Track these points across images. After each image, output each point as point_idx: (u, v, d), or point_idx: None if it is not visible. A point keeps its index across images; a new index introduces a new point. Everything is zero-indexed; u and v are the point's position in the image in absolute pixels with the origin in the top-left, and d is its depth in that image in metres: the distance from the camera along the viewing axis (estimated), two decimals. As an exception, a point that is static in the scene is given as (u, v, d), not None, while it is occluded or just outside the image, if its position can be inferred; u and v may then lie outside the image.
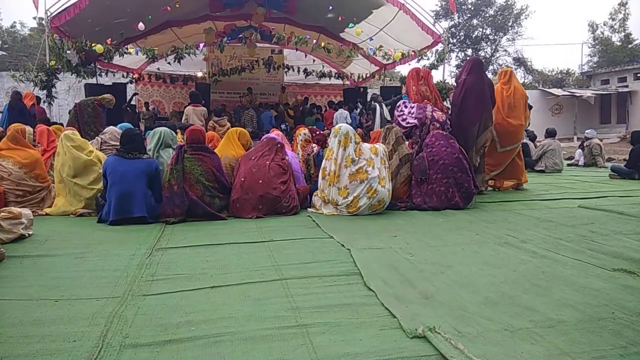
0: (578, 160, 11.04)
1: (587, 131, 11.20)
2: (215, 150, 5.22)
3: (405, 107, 5.99)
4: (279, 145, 5.06)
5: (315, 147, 5.85)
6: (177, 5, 10.73)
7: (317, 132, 6.39)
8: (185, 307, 2.19)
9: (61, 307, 2.21)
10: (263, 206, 4.59)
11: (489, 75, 6.63)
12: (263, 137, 5.34)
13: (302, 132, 6.37)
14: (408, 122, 5.79)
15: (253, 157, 4.88)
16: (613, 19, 32.32)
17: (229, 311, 2.14)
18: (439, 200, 4.88)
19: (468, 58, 6.78)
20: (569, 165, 10.86)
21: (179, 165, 4.52)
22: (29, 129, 5.49)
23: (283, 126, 13.18)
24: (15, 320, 2.04)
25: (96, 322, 2.01)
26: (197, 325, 1.98)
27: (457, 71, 33.32)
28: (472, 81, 5.66)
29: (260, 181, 4.63)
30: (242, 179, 4.69)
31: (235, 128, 5.86)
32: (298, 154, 5.91)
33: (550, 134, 9.81)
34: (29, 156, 4.95)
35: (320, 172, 4.87)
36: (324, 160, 4.88)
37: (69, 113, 9.12)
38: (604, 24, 32.57)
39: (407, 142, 5.43)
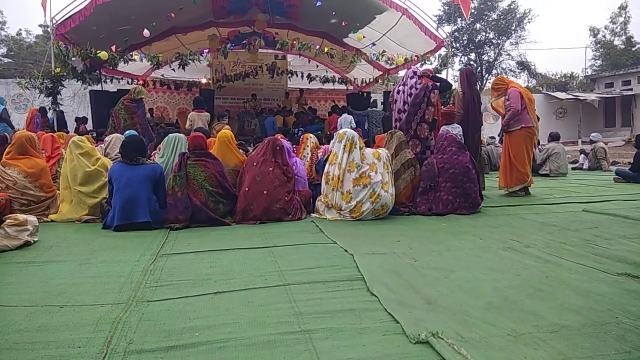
0: (582, 164, 11.01)
1: (592, 134, 11.18)
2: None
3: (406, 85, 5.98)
4: (278, 147, 4.97)
5: (320, 153, 5.85)
6: (180, 9, 10.79)
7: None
8: (189, 313, 2.20)
9: (66, 313, 2.22)
10: (267, 218, 4.59)
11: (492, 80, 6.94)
12: (265, 139, 5.28)
13: (311, 136, 6.34)
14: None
15: (255, 163, 4.85)
16: (614, 23, 32.29)
17: (233, 317, 2.15)
18: (444, 208, 4.87)
19: (462, 70, 6.94)
20: (573, 168, 10.84)
21: (182, 172, 4.54)
22: (34, 135, 5.50)
23: (296, 131, 13.18)
24: (20, 327, 2.06)
25: (101, 328, 2.02)
26: (200, 331, 1.99)
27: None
28: (471, 93, 6.31)
29: (265, 192, 4.61)
30: (247, 189, 4.67)
31: (225, 133, 5.56)
32: (304, 157, 5.88)
33: (554, 137, 9.79)
34: (34, 165, 4.93)
35: (324, 176, 4.88)
36: (327, 165, 4.89)
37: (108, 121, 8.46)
38: (605, 28, 32.55)
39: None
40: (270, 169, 4.77)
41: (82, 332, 2.00)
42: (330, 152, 4.96)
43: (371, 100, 14.34)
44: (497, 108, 6.55)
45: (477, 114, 6.33)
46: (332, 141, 5.03)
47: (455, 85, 7.72)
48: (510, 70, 32.80)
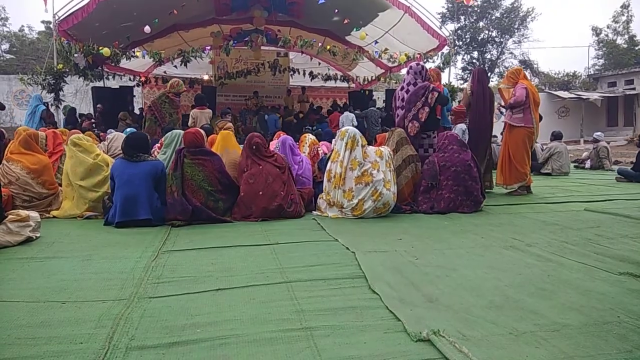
0: (585, 163, 10.99)
1: (596, 133, 11.15)
2: (218, 148, 5.21)
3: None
4: (254, 146, 4.83)
5: (321, 151, 5.85)
6: (183, 6, 10.79)
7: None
8: (190, 310, 2.20)
9: (68, 309, 2.23)
10: (267, 217, 4.58)
11: (496, 78, 6.92)
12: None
13: (308, 135, 6.35)
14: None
15: (245, 169, 4.79)
16: (616, 22, 32.23)
17: (234, 314, 2.15)
18: (446, 207, 4.86)
19: (474, 69, 6.94)
20: (575, 167, 10.82)
21: (178, 171, 4.49)
22: (41, 134, 5.50)
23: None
24: (22, 322, 2.06)
25: (103, 324, 2.03)
26: (202, 328, 1.99)
27: (462, 74, 33.50)
28: (482, 92, 6.24)
29: (260, 192, 4.58)
30: (242, 194, 4.66)
31: (226, 132, 5.65)
32: (304, 153, 5.86)
33: (557, 137, 9.77)
34: (37, 162, 4.93)
35: (326, 174, 4.87)
36: (329, 163, 4.88)
37: (144, 119, 8.12)
38: (608, 27, 32.51)
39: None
40: (260, 167, 4.73)
41: (84, 328, 2.00)
42: (333, 149, 4.95)
43: (372, 99, 14.35)
44: (503, 92, 6.57)
45: (486, 113, 6.25)
46: (334, 139, 5.02)
47: (466, 85, 7.75)
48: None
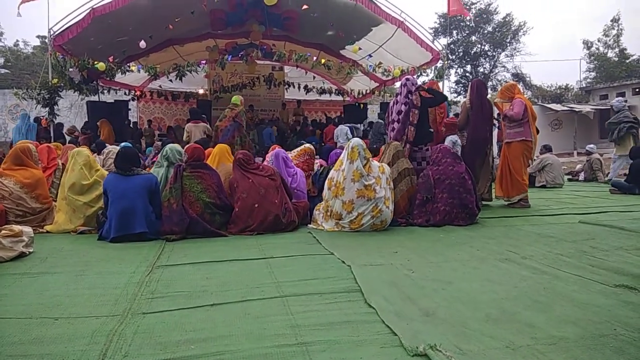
0: (578, 175, 11.06)
1: (588, 146, 11.24)
2: (214, 161, 5.21)
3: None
4: (242, 159, 4.90)
5: (316, 165, 5.83)
6: (177, 20, 10.84)
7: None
8: (185, 325, 2.18)
9: (61, 325, 2.20)
10: (264, 229, 4.57)
11: (489, 91, 6.95)
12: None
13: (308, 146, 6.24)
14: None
15: (236, 185, 4.78)
16: (607, 35, 32.66)
17: (229, 329, 2.13)
18: (441, 219, 4.86)
19: (472, 81, 6.98)
20: (569, 180, 10.87)
21: (178, 183, 4.51)
22: (31, 146, 5.48)
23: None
24: (14, 339, 2.03)
25: (96, 341, 2.00)
26: (196, 344, 1.97)
27: (456, 87, 33.82)
28: (480, 104, 6.20)
29: (256, 205, 4.59)
30: (237, 210, 4.66)
31: (222, 146, 5.82)
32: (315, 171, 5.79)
33: (548, 149, 9.93)
34: (31, 176, 4.90)
35: (327, 182, 4.86)
36: (332, 171, 4.89)
37: (240, 135, 8.19)
38: (599, 41, 32.93)
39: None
40: (250, 180, 4.75)
41: (77, 344, 1.98)
42: (339, 159, 4.98)
43: (368, 114, 14.42)
44: (499, 105, 6.66)
45: (485, 125, 6.22)
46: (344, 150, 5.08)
47: (460, 98, 7.86)
48: (506, 82, 33.13)
